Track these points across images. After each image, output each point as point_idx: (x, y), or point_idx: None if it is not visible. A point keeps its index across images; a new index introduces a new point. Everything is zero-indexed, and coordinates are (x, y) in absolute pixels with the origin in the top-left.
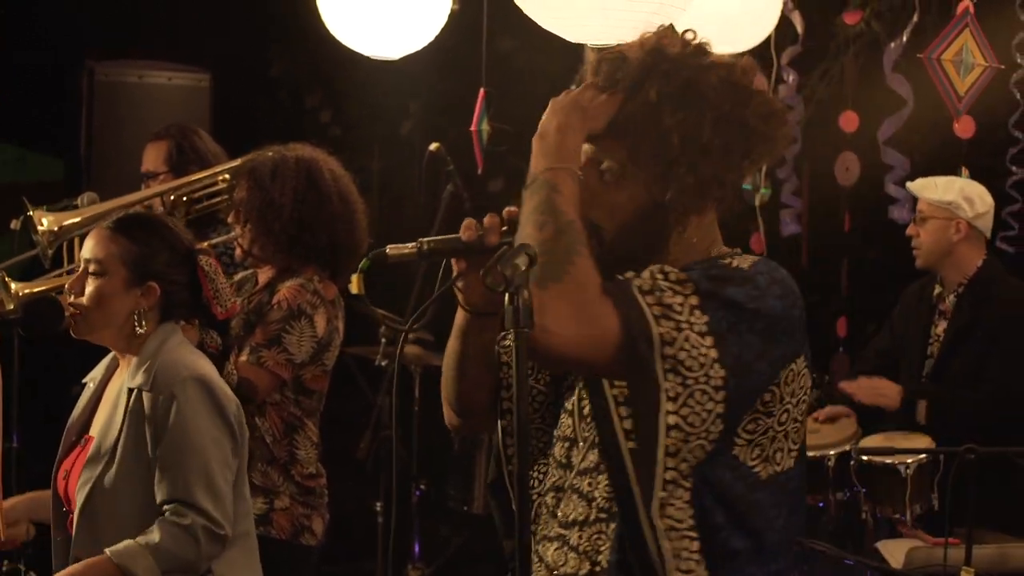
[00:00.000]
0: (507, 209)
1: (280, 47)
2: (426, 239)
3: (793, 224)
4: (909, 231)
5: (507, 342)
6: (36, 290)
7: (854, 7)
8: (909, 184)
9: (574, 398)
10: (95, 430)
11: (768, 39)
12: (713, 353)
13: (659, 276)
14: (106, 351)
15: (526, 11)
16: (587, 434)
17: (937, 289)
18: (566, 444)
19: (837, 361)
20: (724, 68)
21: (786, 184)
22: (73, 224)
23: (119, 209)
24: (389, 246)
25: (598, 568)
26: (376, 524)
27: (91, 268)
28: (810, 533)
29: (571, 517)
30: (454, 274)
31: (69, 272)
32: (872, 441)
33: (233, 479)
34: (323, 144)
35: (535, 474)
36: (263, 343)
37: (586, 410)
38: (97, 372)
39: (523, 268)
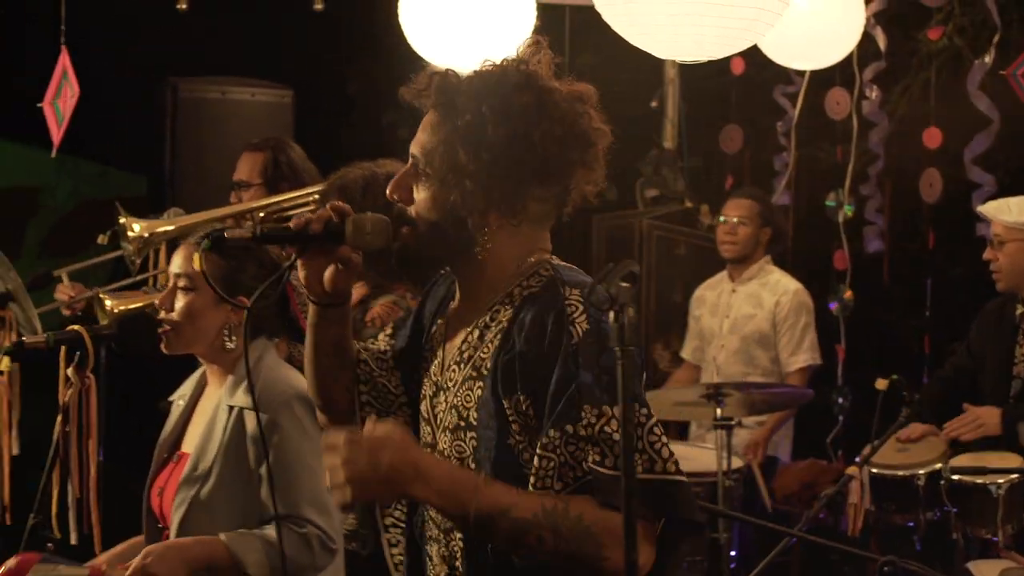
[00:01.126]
0: (333, 203)
1: (358, 64)
2: (260, 225)
3: (876, 241)
4: (987, 255)
5: (367, 343)
6: (131, 307)
7: (936, 23)
8: (981, 208)
9: (426, 404)
10: (189, 446)
11: (851, 55)
12: None
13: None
14: (191, 368)
15: (616, 28)
16: (443, 446)
17: (1020, 309)
18: (428, 450)
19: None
20: (535, 92)
21: (870, 201)
22: (165, 232)
23: (210, 221)
24: (227, 230)
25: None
26: None
27: (180, 283)
28: (900, 552)
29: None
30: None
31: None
32: (963, 460)
33: None
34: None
35: None
36: None
37: (442, 418)
38: (186, 389)
39: (628, 286)
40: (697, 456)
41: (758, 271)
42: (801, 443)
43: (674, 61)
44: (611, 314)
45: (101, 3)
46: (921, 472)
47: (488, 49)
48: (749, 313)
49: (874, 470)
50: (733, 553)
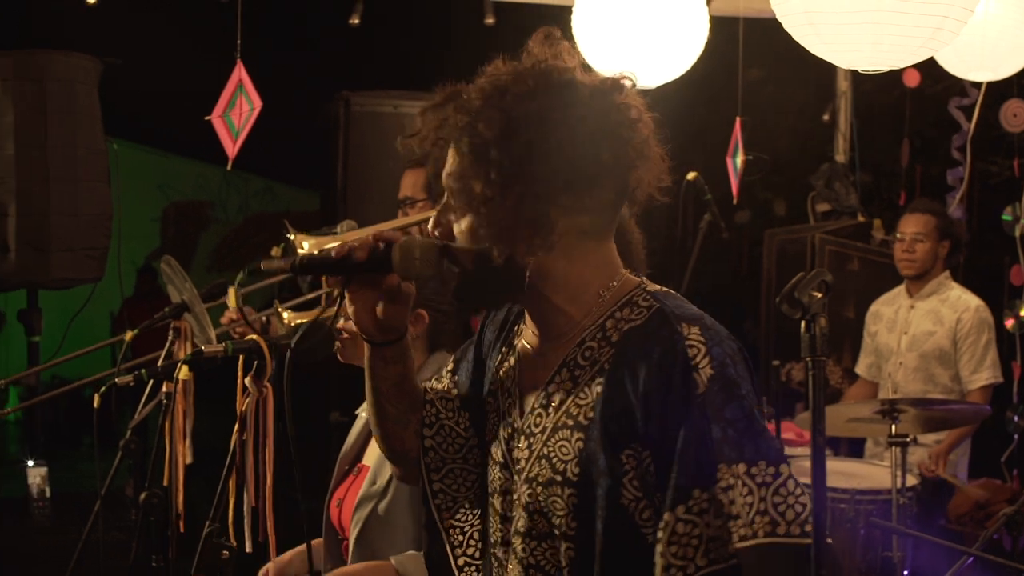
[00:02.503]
0: (378, 231)
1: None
2: (300, 255)
3: None
4: None
5: (431, 382)
6: (306, 319)
7: None
8: None
9: (501, 449)
10: (370, 459)
11: None
12: None
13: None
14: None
15: (796, 37)
16: (526, 498)
17: None
18: (503, 496)
19: None
20: (545, 96)
21: None
22: (333, 248)
23: None
24: (263, 260)
25: None
26: None
27: None
28: None
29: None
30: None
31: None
32: None
33: None
34: None
35: (463, 522)
36: None
37: (525, 467)
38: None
39: (820, 296)
40: (870, 473)
41: (937, 287)
42: (975, 462)
43: (847, 74)
44: (803, 324)
45: (274, 19)
46: None
47: (662, 63)
48: (929, 330)
49: None
50: (906, 573)
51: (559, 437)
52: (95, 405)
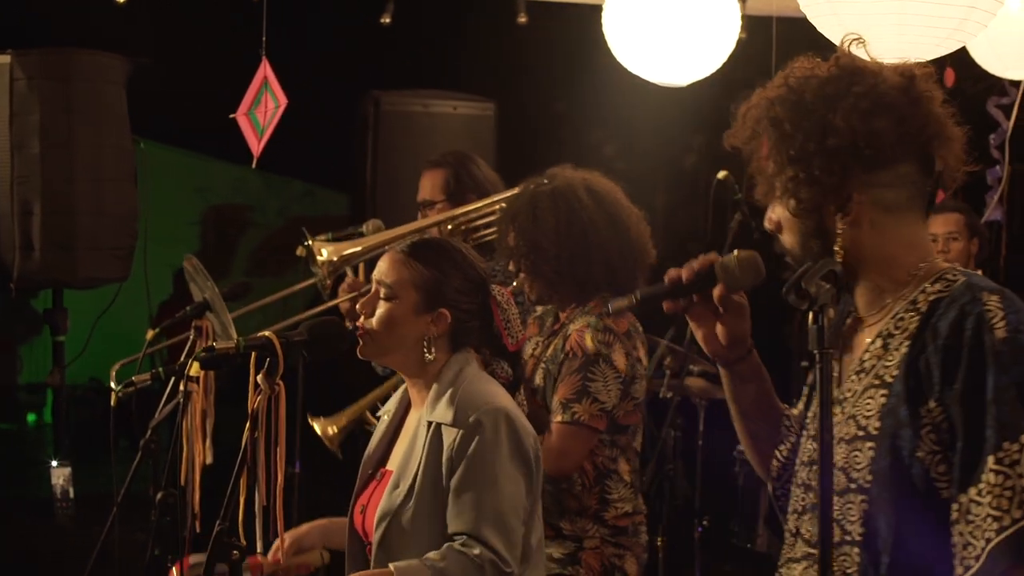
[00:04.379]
0: (699, 260)
1: (564, 80)
2: (638, 291)
3: None
4: None
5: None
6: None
7: None
8: None
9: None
10: (393, 464)
11: None
12: None
13: None
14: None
15: (821, 29)
16: (836, 459)
17: None
18: (810, 467)
19: None
20: (834, 84)
21: None
22: (353, 254)
23: (398, 238)
24: (611, 302)
25: None
26: (657, 560)
27: (383, 292)
28: None
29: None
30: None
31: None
32: None
33: (525, 517)
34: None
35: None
36: (572, 397)
37: (837, 432)
38: (391, 404)
39: (828, 286)
40: None
41: None
42: None
43: None
44: (810, 315)
45: (302, 19)
46: None
47: (694, 61)
48: None
49: None
50: None
51: (866, 396)
52: (112, 404)
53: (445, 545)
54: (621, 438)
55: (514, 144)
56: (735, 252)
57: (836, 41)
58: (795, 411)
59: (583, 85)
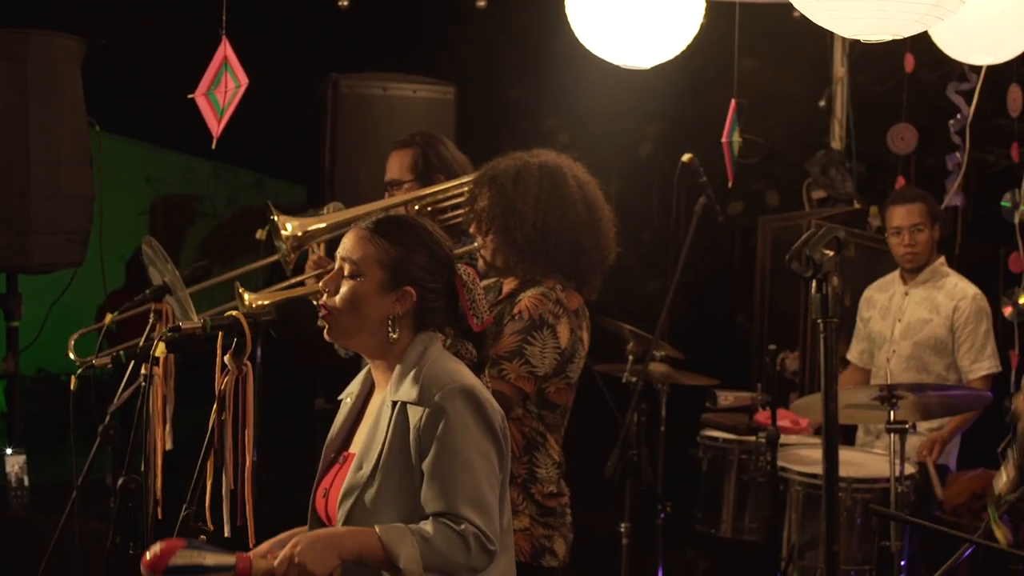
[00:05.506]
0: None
1: (520, 67)
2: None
3: None
4: None
5: None
6: (281, 296)
7: None
8: None
9: None
10: (356, 447)
11: None
12: None
13: None
14: (353, 367)
15: (798, 6)
16: None
17: None
18: None
19: None
20: None
21: None
22: (317, 230)
23: (364, 216)
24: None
25: None
26: (621, 546)
27: (347, 269)
28: None
29: None
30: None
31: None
32: None
33: (499, 493)
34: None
35: None
36: (504, 355)
37: None
38: (354, 387)
39: (832, 254)
40: (866, 461)
41: (932, 273)
42: (970, 452)
43: (843, 60)
44: (813, 283)
45: (257, 2)
46: None
47: (658, 44)
48: (924, 318)
49: None
50: (903, 563)
51: None
52: (71, 388)
53: (430, 518)
54: (549, 415)
55: (474, 128)
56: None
57: (816, 20)
58: None
59: (541, 73)
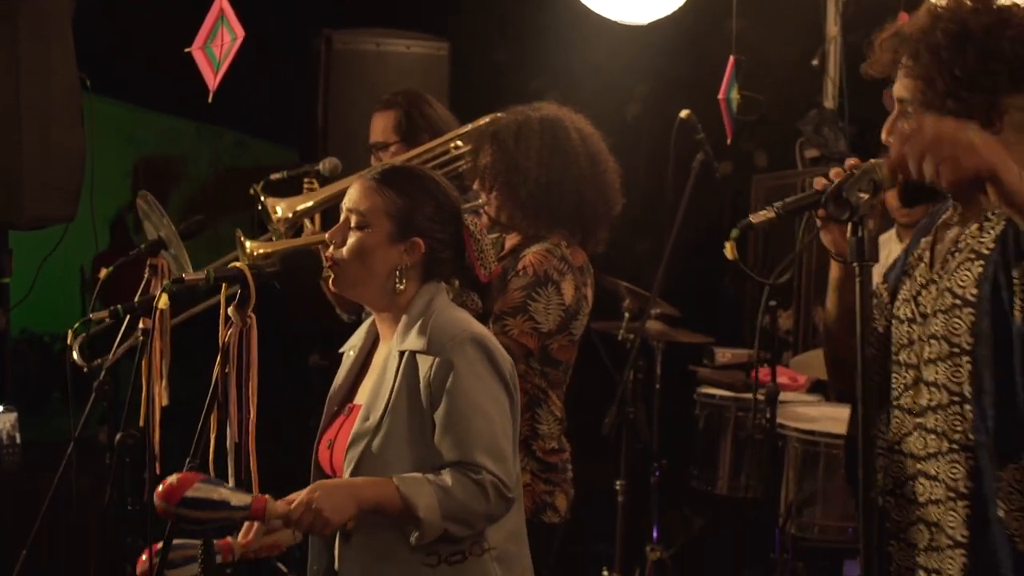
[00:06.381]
0: (849, 161)
1: (509, 26)
2: (779, 203)
3: None
4: None
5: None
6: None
7: None
8: None
9: (910, 306)
10: (362, 398)
11: None
12: None
13: None
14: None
15: None
16: (935, 329)
17: None
18: (909, 347)
19: None
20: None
21: None
22: (308, 208)
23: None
24: (751, 215)
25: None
26: (617, 503)
27: (354, 220)
28: None
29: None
30: (818, 225)
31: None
32: None
33: (512, 441)
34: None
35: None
36: (508, 311)
37: (930, 306)
38: (356, 340)
39: (867, 196)
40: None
41: None
42: None
43: (836, 19)
44: (849, 226)
45: None
46: None
47: (656, 1)
48: None
49: None
50: None
51: (962, 269)
52: (68, 341)
53: (447, 468)
54: (552, 372)
55: (468, 85)
56: (873, 160)
57: None
58: (885, 293)
59: (530, 30)
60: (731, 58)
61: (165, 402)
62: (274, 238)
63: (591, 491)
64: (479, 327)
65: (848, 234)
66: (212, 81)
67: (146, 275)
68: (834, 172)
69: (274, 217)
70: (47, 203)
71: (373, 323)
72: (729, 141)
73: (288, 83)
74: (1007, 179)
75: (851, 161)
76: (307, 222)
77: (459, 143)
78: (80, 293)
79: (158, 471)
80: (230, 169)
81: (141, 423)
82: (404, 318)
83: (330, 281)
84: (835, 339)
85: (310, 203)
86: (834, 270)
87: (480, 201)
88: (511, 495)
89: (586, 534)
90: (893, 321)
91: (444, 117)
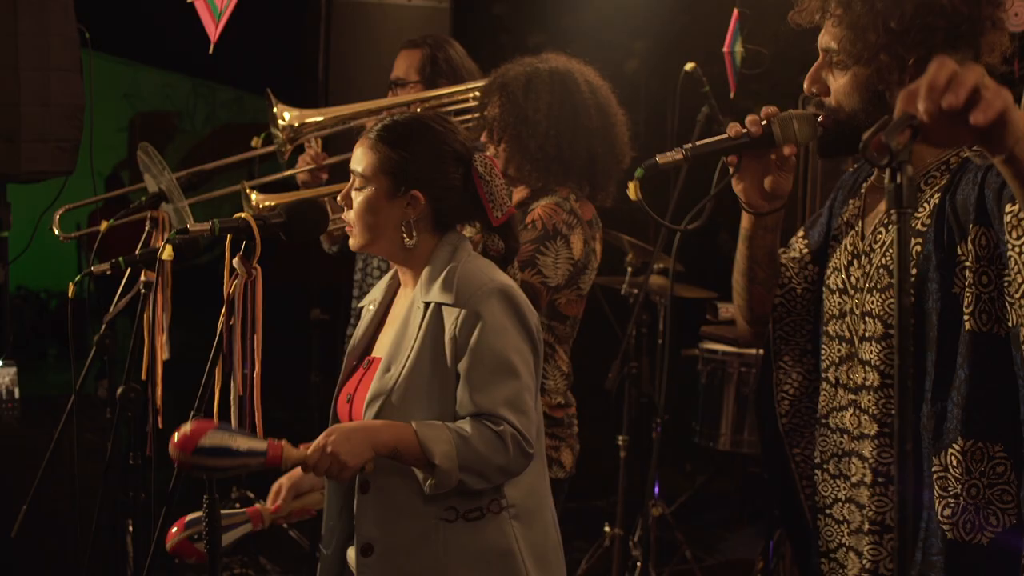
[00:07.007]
0: (765, 110)
1: None
2: (689, 144)
3: None
4: None
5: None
6: (289, 198)
7: None
8: None
9: (839, 276)
10: (381, 351)
11: None
12: None
13: None
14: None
15: None
16: (870, 306)
17: None
18: (840, 319)
19: None
20: None
21: None
22: (315, 122)
23: (364, 113)
24: (657, 155)
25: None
26: (619, 458)
27: (356, 182)
28: None
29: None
30: (730, 172)
31: None
32: None
33: (535, 395)
34: (568, 54)
35: (788, 364)
36: (516, 265)
37: (864, 280)
38: (376, 294)
39: (906, 142)
40: None
41: None
42: None
43: None
44: (887, 172)
45: None
46: None
47: None
48: None
49: None
50: None
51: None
52: (70, 295)
53: (467, 418)
54: (559, 327)
55: (469, 39)
56: (791, 111)
57: None
58: (807, 251)
59: None
60: (735, 11)
61: (166, 356)
62: (276, 145)
63: (594, 447)
64: (505, 278)
65: (886, 180)
66: (213, 32)
67: (147, 228)
68: (750, 119)
69: (280, 123)
70: (46, 156)
71: (393, 277)
72: (732, 95)
73: (288, 38)
74: (1012, 117)
75: (769, 109)
76: (308, 143)
77: (477, 94)
78: (76, 250)
79: (160, 425)
80: (226, 125)
81: (144, 376)
82: (427, 269)
83: (349, 242)
84: (744, 290)
85: (320, 118)
86: (744, 220)
87: (488, 153)
88: (531, 450)
89: (593, 489)
90: (824, 290)
91: (468, 67)
